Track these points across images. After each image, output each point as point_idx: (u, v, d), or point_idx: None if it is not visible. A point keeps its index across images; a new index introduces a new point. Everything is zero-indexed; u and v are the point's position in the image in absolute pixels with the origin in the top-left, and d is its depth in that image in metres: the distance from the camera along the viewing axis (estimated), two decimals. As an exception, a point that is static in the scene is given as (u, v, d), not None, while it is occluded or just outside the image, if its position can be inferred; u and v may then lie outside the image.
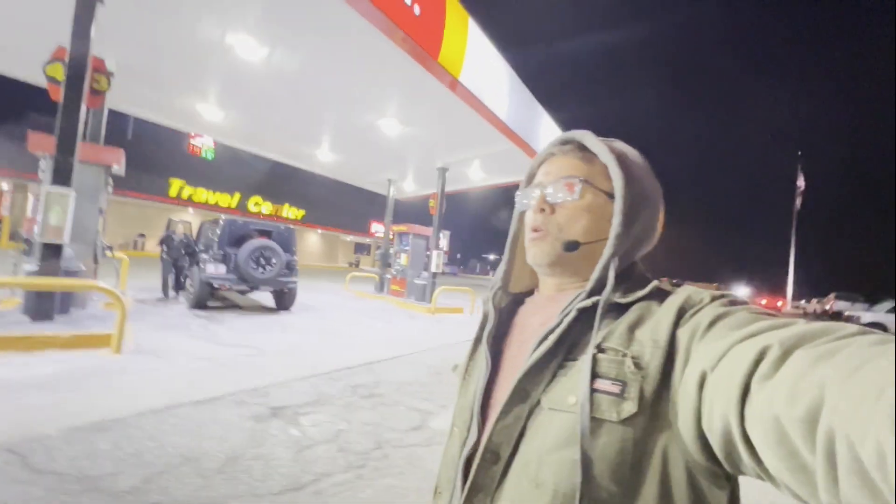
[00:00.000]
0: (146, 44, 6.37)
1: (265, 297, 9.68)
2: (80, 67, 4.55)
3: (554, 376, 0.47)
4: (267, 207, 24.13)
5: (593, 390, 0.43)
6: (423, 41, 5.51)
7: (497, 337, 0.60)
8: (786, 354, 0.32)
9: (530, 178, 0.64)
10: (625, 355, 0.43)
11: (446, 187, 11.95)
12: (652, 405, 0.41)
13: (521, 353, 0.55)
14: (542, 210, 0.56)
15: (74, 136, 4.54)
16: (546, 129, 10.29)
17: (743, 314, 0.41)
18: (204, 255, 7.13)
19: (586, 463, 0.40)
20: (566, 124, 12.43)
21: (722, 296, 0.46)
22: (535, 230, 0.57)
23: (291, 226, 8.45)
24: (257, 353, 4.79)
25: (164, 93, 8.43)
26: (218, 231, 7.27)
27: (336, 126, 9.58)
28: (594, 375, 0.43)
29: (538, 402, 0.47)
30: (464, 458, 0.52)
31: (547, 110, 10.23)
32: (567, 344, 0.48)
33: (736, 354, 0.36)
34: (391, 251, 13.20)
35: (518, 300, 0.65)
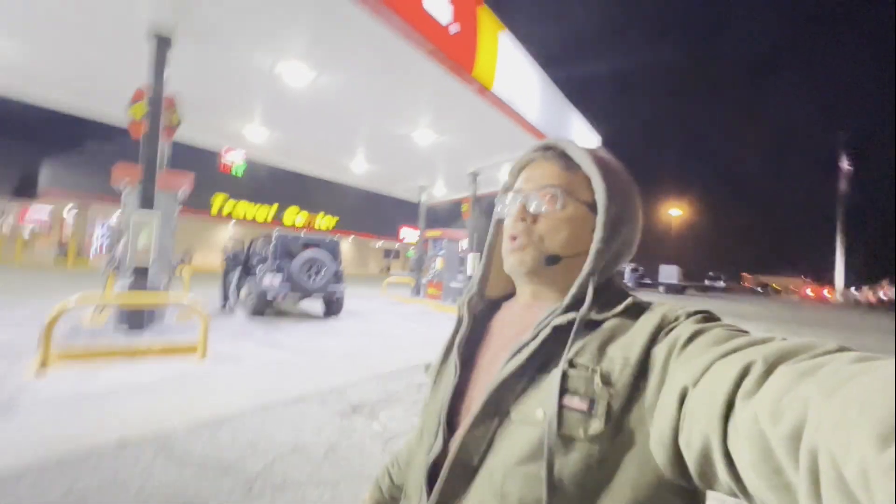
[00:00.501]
0: (200, 76, 6.96)
1: (313, 305, 10.21)
2: (157, 106, 5.09)
3: (525, 389, 0.48)
4: (302, 217, 25.14)
5: (562, 406, 0.43)
6: (459, 57, 5.81)
7: (471, 342, 0.61)
8: (769, 370, 0.32)
9: (510, 184, 0.63)
10: (594, 371, 0.44)
11: (477, 190, 12.22)
12: (619, 422, 0.41)
13: (495, 362, 0.54)
14: (523, 219, 0.56)
15: (156, 167, 5.08)
16: (578, 128, 10.41)
17: (719, 330, 0.41)
18: (260, 268, 7.67)
19: (551, 478, 0.41)
20: (601, 122, 12.44)
21: (697, 312, 0.46)
22: (514, 239, 0.56)
23: (336, 237, 8.90)
24: (321, 356, 5.19)
25: (213, 117, 9.09)
26: (271, 245, 7.80)
27: (371, 138, 10.02)
28: (563, 391, 0.44)
29: (508, 414, 0.47)
30: (428, 465, 0.52)
31: (580, 111, 10.34)
32: (540, 358, 0.48)
33: (719, 370, 0.36)
34: (421, 255, 13.60)
35: (495, 305, 0.66)
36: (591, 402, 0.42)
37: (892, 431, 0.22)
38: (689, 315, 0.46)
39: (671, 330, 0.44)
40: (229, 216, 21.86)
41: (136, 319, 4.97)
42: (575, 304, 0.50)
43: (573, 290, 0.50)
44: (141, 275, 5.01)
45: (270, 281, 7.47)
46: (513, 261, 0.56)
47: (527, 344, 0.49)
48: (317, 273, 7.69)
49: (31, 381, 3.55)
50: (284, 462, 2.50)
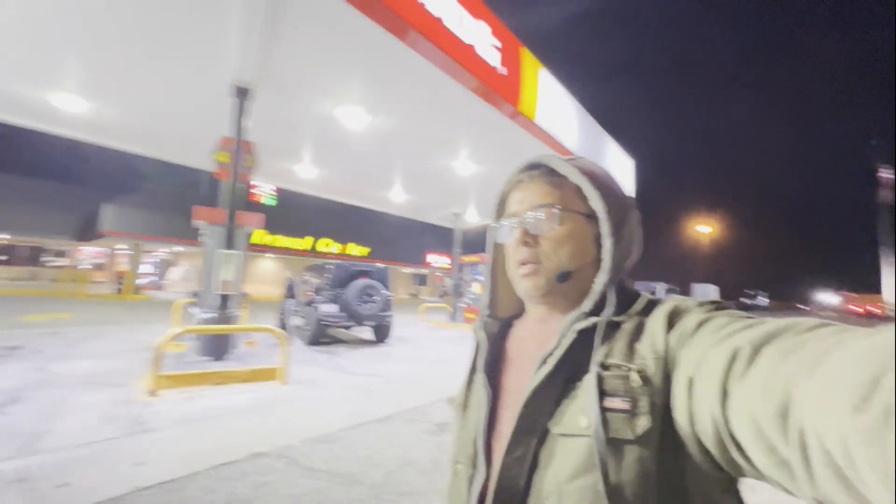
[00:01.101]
0: (260, 120, 7.62)
1: (362, 331, 10.55)
2: (238, 153, 5.67)
3: (559, 401, 0.47)
4: (336, 248, 25.96)
5: (603, 409, 0.42)
6: (507, 95, 6.25)
7: (492, 364, 0.60)
8: (756, 352, 0.34)
9: (501, 207, 0.64)
10: (629, 370, 0.44)
11: None
12: (663, 417, 0.41)
13: (521, 379, 0.54)
14: (526, 243, 0.56)
15: (238, 208, 5.61)
16: (612, 155, 10.71)
17: (722, 319, 0.42)
18: (317, 297, 8.10)
19: (610, 487, 0.40)
20: (633, 146, 12.73)
21: (708, 302, 0.47)
22: (524, 264, 0.56)
23: (384, 265, 9.29)
24: (388, 380, 5.45)
25: (266, 155, 9.78)
26: (327, 275, 8.26)
27: (413, 170, 10.54)
28: (602, 394, 0.43)
29: (546, 430, 0.46)
30: (475, 497, 0.51)
31: (614, 137, 10.70)
32: (568, 366, 0.48)
33: (712, 357, 0.37)
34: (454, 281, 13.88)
35: (506, 324, 0.66)
36: (633, 401, 0.42)
37: (864, 399, 0.23)
38: (700, 304, 0.47)
39: (681, 319, 0.45)
40: (268, 246, 22.82)
41: (220, 348, 5.39)
42: (595, 310, 0.51)
43: (593, 296, 0.51)
44: (225, 306, 5.46)
45: (328, 309, 7.87)
46: (527, 286, 0.56)
47: (551, 353, 0.49)
48: (371, 300, 8.06)
49: (147, 403, 3.94)
50: (401, 473, 2.75)
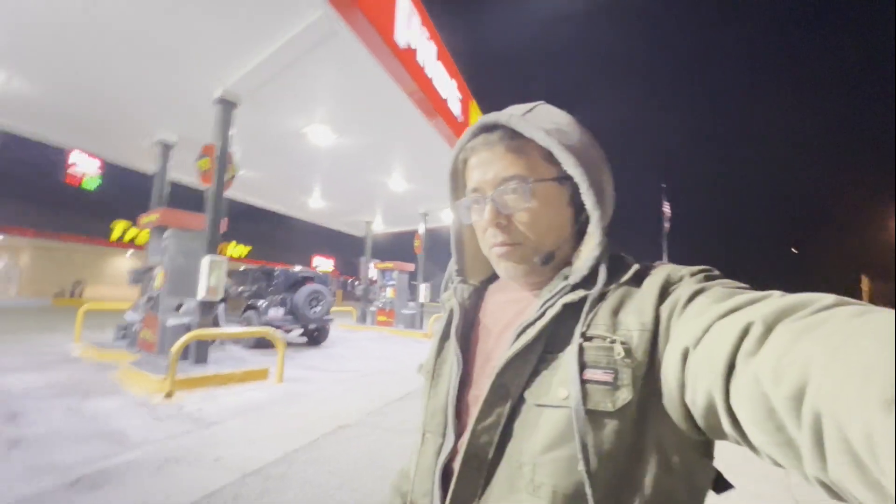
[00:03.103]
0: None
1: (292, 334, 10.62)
2: (223, 161, 5.87)
3: (536, 370, 0.46)
4: (213, 246, 23.65)
5: (584, 381, 0.42)
6: (459, 133, 7.72)
7: (465, 332, 0.58)
8: (768, 330, 0.33)
9: (456, 178, 0.61)
10: (613, 341, 0.43)
11: (415, 226, 13.93)
12: (644, 389, 0.41)
13: (497, 347, 0.54)
14: (499, 224, 0.53)
15: (220, 214, 5.81)
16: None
17: (719, 289, 0.42)
18: (260, 301, 8.25)
19: (587, 458, 0.39)
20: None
21: (700, 271, 0.46)
22: (500, 245, 0.54)
23: (325, 272, 9.76)
24: (364, 374, 6.30)
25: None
26: (274, 280, 8.47)
27: (339, 180, 11.09)
28: (583, 365, 0.43)
29: (521, 399, 0.46)
30: (441, 466, 0.50)
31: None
32: (548, 336, 0.47)
33: (718, 331, 0.36)
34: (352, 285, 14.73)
35: (478, 291, 0.64)
36: (615, 373, 0.41)
37: None
38: (692, 274, 0.46)
39: (675, 289, 0.45)
40: (132, 243, 19.57)
41: (201, 353, 5.49)
42: (583, 282, 0.49)
43: (583, 271, 0.50)
44: (209, 311, 5.58)
45: (275, 313, 8.12)
46: (506, 267, 0.55)
47: (533, 323, 0.48)
48: (318, 304, 8.56)
49: (174, 405, 4.18)
50: (452, 428, 3.90)
